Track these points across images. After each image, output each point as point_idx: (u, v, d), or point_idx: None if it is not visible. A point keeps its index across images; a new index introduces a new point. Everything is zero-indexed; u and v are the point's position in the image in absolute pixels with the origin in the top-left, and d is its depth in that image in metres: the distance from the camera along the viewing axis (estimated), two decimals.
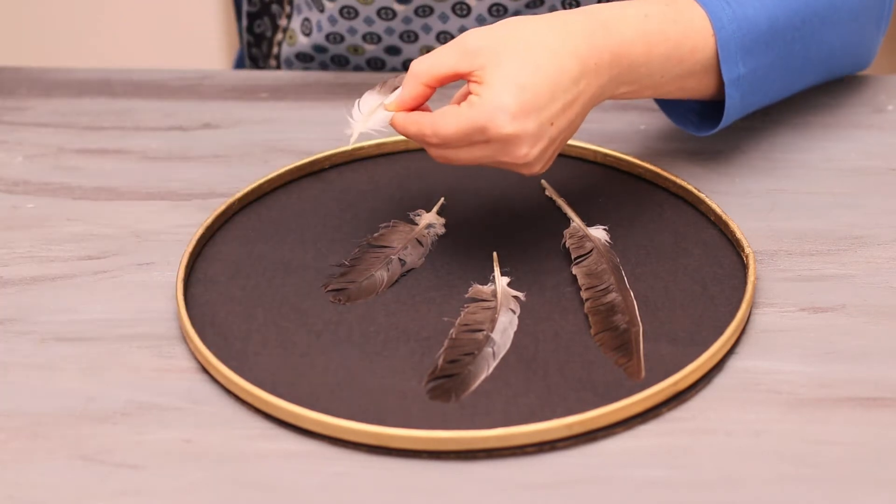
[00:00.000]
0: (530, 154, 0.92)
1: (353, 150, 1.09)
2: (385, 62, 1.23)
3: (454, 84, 1.09)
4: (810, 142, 1.11)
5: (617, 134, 1.12)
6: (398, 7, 1.18)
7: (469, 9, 1.18)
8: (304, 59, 1.26)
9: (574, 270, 0.98)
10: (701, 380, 0.89)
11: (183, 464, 0.85)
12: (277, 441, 0.87)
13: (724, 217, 1.01)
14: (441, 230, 1.02)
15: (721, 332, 0.91)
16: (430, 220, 1.02)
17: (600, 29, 0.94)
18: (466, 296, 0.96)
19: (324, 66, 1.25)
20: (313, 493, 0.84)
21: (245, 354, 0.92)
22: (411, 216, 1.03)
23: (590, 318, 0.94)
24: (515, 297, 0.95)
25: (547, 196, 1.05)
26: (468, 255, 1.00)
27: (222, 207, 1.03)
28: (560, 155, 1.09)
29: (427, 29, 1.19)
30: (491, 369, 0.90)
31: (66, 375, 0.92)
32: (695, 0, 0.99)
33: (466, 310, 0.94)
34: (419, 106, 0.95)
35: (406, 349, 0.92)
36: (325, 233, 1.02)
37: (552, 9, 1.18)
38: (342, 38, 1.21)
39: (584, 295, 0.96)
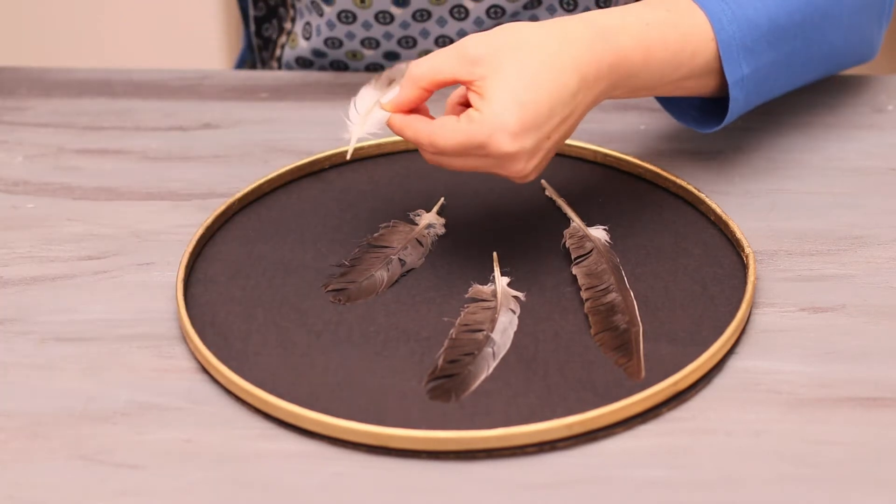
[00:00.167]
0: (526, 168, 0.93)
1: (353, 149, 1.09)
2: (384, 69, 1.23)
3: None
4: (810, 142, 1.11)
5: (617, 134, 1.12)
6: (396, 11, 1.18)
7: (467, 12, 1.18)
8: (303, 65, 1.26)
9: (574, 270, 0.98)
10: (701, 380, 0.89)
11: (183, 464, 0.85)
12: (277, 441, 0.87)
13: (724, 217, 1.01)
14: (441, 230, 1.02)
15: (721, 332, 0.91)
16: (430, 220, 1.02)
17: (600, 38, 0.94)
18: (466, 296, 0.96)
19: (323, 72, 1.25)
20: (313, 493, 0.84)
21: (245, 354, 0.92)
22: (411, 216, 1.03)
23: (590, 318, 0.94)
24: (515, 297, 0.95)
25: (547, 196, 1.05)
26: (468, 255, 1.00)
27: (222, 207, 1.03)
28: (560, 155, 1.09)
29: (425, 34, 1.19)
30: (491, 369, 0.90)
31: (66, 375, 0.92)
32: (695, 3, 0.99)
33: (466, 310, 0.94)
34: (416, 108, 0.95)
35: (406, 349, 0.92)
36: (325, 233, 1.02)
37: (550, 9, 1.17)
38: (341, 43, 1.21)
39: (584, 295, 0.96)
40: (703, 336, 0.92)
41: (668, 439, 0.86)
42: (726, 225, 1.00)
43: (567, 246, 1.00)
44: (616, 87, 0.96)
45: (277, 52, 1.30)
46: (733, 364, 0.91)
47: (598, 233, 1.00)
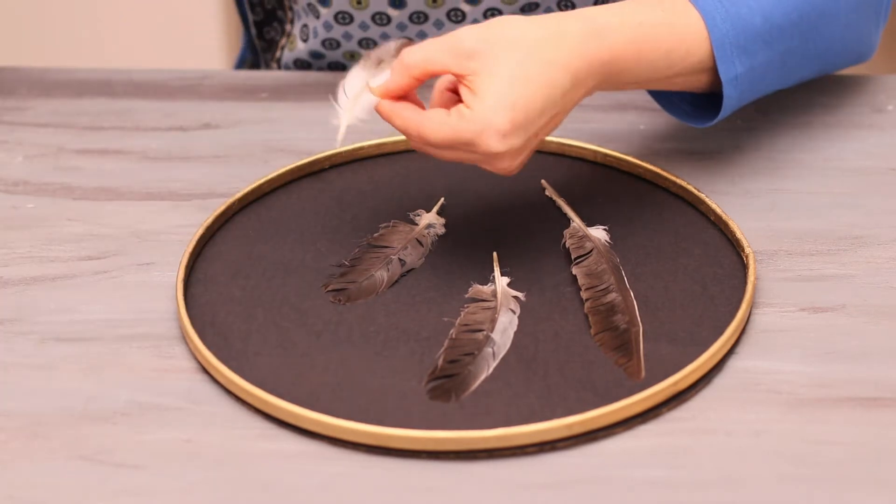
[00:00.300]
0: (512, 165, 0.93)
1: (353, 149, 1.09)
2: None
3: None
4: (810, 142, 1.11)
5: (617, 134, 1.12)
6: (392, 12, 1.18)
7: (464, 15, 1.18)
8: (301, 67, 1.26)
9: (574, 270, 0.98)
10: (701, 380, 0.89)
11: (183, 464, 0.85)
12: (277, 441, 0.87)
13: (724, 217, 1.01)
14: (441, 230, 1.02)
15: (721, 332, 0.91)
16: (430, 220, 1.02)
17: (594, 36, 0.94)
18: (466, 296, 0.96)
19: None
20: (313, 493, 0.84)
21: (245, 354, 0.92)
22: (411, 216, 1.03)
23: (590, 318, 0.94)
24: (515, 297, 0.95)
25: (547, 196, 1.05)
26: (468, 255, 1.00)
27: (222, 207, 1.03)
28: (560, 155, 1.09)
29: (423, 36, 1.19)
30: (491, 369, 0.90)
31: (66, 375, 0.92)
32: (689, 2, 0.99)
33: (466, 310, 0.94)
34: (405, 95, 0.95)
35: (406, 349, 0.92)
36: (325, 233, 1.02)
37: (548, 12, 1.17)
38: (338, 44, 1.21)
39: (584, 295, 0.96)
40: (703, 336, 0.92)
41: (668, 439, 0.86)
42: (726, 225, 1.00)
43: (567, 246, 1.00)
44: (606, 83, 0.96)
45: (277, 53, 1.30)
46: (733, 364, 0.91)
47: (598, 233, 1.00)
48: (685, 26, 0.98)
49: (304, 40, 1.24)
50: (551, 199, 1.05)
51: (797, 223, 1.03)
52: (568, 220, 1.02)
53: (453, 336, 0.92)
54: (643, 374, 0.89)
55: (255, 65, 1.37)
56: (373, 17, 1.19)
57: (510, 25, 0.93)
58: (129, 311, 0.96)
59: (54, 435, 0.87)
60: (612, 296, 0.95)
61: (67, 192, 1.09)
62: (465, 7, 1.17)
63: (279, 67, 1.30)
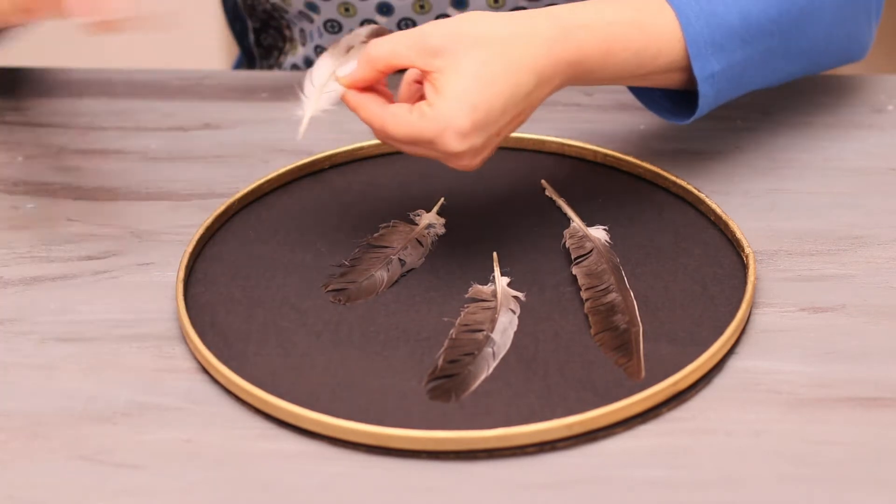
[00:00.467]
0: (472, 163, 0.93)
1: (353, 149, 1.09)
2: None
3: None
4: (810, 142, 1.11)
5: (617, 134, 1.12)
6: (381, 19, 1.17)
7: None
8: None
9: (574, 270, 0.98)
10: (701, 380, 0.89)
11: (183, 464, 0.85)
12: (277, 441, 0.87)
13: (724, 217, 1.01)
14: (441, 230, 1.02)
15: (721, 332, 0.91)
16: (430, 220, 1.02)
17: (562, 36, 0.93)
18: (466, 296, 0.96)
19: None
20: (313, 493, 0.84)
21: (245, 354, 0.92)
22: (411, 216, 1.03)
23: (590, 318, 0.94)
24: (515, 297, 0.95)
25: (547, 196, 1.05)
26: (468, 255, 1.00)
27: (222, 207, 1.03)
28: (560, 155, 1.09)
29: None
30: (491, 369, 0.90)
31: (66, 375, 0.92)
32: (665, 1, 0.99)
33: (466, 310, 0.94)
34: (373, 86, 0.94)
35: (406, 349, 0.92)
36: (325, 233, 1.02)
37: (552, 3, 1.17)
38: None
39: (584, 295, 0.96)
40: (703, 336, 0.92)
41: (668, 439, 0.86)
42: (726, 225, 1.00)
43: (567, 246, 1.00)
44: (573, 81, 0.96)
45: (280, 59, 1.29)
46: (733, 364, 0.91)
47: (598, 233, 1.00)
48: (657, 26, 0.97)
49: (303, 45, 1.24)
50: (551, 199, 1.05)
51: (797, 223, 1.03)
52: (568, 220, 1.02)
53: (453, 336, 0.92)
54: (643, 374, 0.89)
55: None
56: (361, 24, 1.18)
57: (478, 23, 0.92)
58: (129, 311, 0.96)
59: (54, 435, 0.87)
60: (612, 296, 0.95)
61: (67, 192, 1.09)
62: (453, 12, 1.17)
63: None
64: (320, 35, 1.21)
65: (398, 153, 1.10)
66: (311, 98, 0.96)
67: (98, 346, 0.94)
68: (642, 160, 1.07)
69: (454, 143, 0.90)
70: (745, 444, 0.85)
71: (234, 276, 0.99)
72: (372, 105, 0.93)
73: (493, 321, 0.93)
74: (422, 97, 0.93)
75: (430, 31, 0.91)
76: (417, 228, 1.02)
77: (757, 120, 1.13)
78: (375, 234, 1.01)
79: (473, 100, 0.90)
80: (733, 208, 1.04)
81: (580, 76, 0.95)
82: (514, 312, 0.94)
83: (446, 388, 0.89)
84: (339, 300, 0.96)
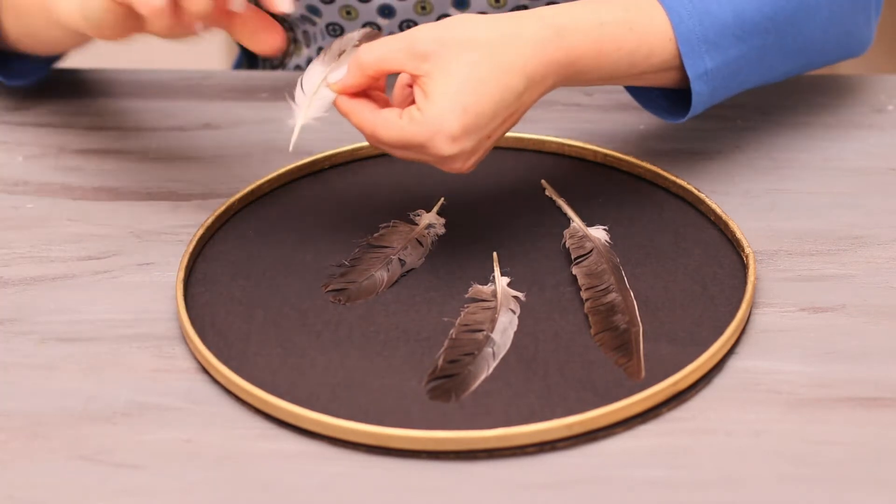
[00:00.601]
0: (464, 167, 0.93)
1: (353, 150, 1.09)
2: None
3: None
4: (810, 142, 1.11)
5: (617, 134, 1.12)
6: (382, 21, 1.17)
7: None
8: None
9: (574, 270, 0.98)
10: (701, 380, 0.89)
11: (183, 464, 0.85)
12: (277, 441, 0.87)
13: (724, 217, 1.01)
14: (441, 230, 1.02)
15: (721, 332, 0.91)
16: (430, 220, 1.02)
17: (553, 38, 0.93)
18: (466, 296, 0.96)
19: None
20: (313, 493, 0.84)
21: (245, 354, 0.92)
22: (411, 216, 1.03)
23: (590, 318, 0.94)
24: (515, 297, 0.95)
25: (547, 196, 1.05)
26: (468, 255, 1.00)
27: (222, 207, 1.03)
28: (560, 155, 1.09)
29: None
30: (491, 369, 0.90)
31: (66, 375, 0.92)
32: (657, 0, 0.98)
33: (466, 310, 0.94)
34: (365, 90, 0.94)
35: (406, 349, 0.92)
36: (325, 233, 1.02)
37: (551, 3, 1.17)
38: None
39: (584, 295, 0.96)
40: (703, 336, 0.92)
41: (668, 439, 0.86)
42: (726, 225, 1.00)
43: (567, 246, 1.00)
44: (566, 82, 0.96)
45: (286, 60, 1.29)
46: (733, 364, 0.91)
47: (598, 233, 1.00)
48: (648, 25, 0.97)
49: (308, 46, 1.24)
50: (551, 199, 1.05)
51: (797, 223, 1.03)
52: (568, 220, 1.02)
53: (453, 336, 0.92)
54: (643, 374, 0.89)
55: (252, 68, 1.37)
56: (363, 27, 1.18)
57: (468, 26, 0.92)
58: (129, 311, 0.96)
59: (54, 435, 0.87)
60: (612, 296, 0.95)
61: (67, 192, 1.09)
62: (454, 13, 1.17)
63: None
64: (323, 37, 1.21)
65: None
66: (302, 106, 0.96)
67: (98, 346, 0.94)
68: (642, 160, 1.07)
69: (445, 147, 0.90)
70: (745, 444, 0.85)
71: (234, 276, 0.99)
72: (363, 110, 0.93)
73: (493, 321, 0.93)
74: (413, 101, 0.93)
75: (418, 36, 0.91)
76: (417, 228, 1.02)
77: (757, 120, 1.13)
78: (375, 234, 1.01)
79: (463, 103, 0.90)
80: (733, 208, 1.04)
81: (572, 77, 0.95)
82: (514, 312, 0.94)
83: (446, 388, 0.89)
84: (339, 300, 0.96)
